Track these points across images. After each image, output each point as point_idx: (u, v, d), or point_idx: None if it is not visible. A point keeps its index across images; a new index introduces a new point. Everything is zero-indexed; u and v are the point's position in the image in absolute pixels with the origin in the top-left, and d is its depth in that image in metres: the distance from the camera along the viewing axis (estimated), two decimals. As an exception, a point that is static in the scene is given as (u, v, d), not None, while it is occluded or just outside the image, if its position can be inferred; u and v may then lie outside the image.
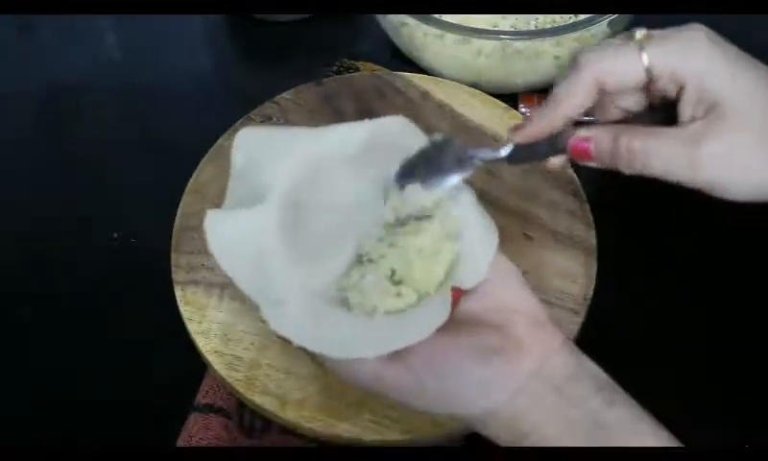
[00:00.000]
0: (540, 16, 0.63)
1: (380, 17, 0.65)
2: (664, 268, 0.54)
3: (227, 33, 0.74)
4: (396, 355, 0.33)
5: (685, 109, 0.36)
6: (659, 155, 0.36)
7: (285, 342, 0.34)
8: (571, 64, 0.38)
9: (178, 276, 0.50)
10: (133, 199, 0.60)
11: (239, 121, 0.58)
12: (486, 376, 0.34)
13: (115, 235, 0.57)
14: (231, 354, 0.46)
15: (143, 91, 0.68)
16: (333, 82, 0.62)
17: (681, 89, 0.36)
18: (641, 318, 0.51)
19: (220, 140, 0.57)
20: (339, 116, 0.59)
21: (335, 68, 0.65)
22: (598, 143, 0.37)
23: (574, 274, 0.49)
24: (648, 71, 0.35)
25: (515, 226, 0.52)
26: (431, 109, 0.59)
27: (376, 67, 0.65)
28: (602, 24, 0.59)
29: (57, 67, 0.70)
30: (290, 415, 0.44)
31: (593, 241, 0.51)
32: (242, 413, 0.47)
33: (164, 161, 0.62)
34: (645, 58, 0.35)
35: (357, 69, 0.65)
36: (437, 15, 0.60)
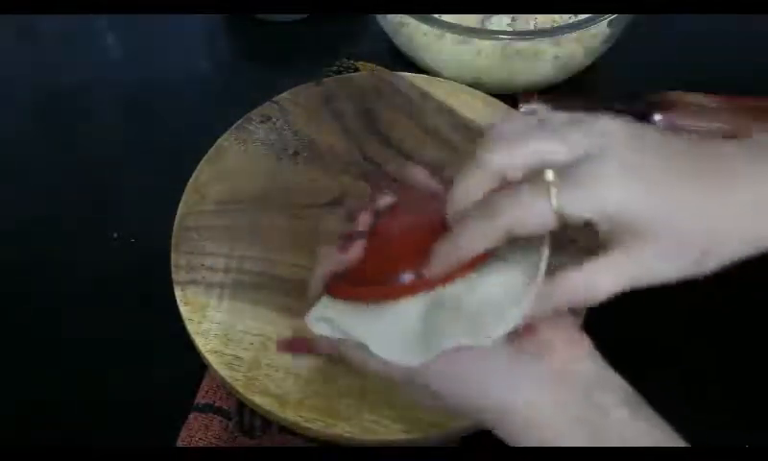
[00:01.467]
0: (540, 16, 0.63)
1: (380, 17, 0.65)
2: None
3: (227, 33, 0.74)
4: None
5: (603, 234, 0.35)
6: (599, 284, 0.35)
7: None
8: (482, 207, 0.35)
9: (177, 276, 0.50)
10: (133, 199, 0.60)
11: (239, 121, 0.58)
12: (515, 371, 0.34)
13: (115, 235, 0.57)
14: (231, 354, 0.46)
15: (143, 91, 0.68)
16: (333, 82, 0.62)
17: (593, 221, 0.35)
18: (641, 318, 0.51)
19: (220, 140, 0.57)
20: (339, 116, 0.59)
21: (335, 68, 0.65)
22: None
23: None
24: (559, 217, 0.34)
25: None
26: (431, 109, 0.59)
27: (376, 67, 0.65)
28: (602, 24, 0.59)
29: (57, 68, 0.70)
30: (290, 415, 0.44)
31: (593, 241, 0.51)
32: (242, 413, 0.47)
33: (164, 161, 0.62)
34: (554, 201, 0.33)
35: (357, 69, 0.65)
36: (437, 15, 0.60)
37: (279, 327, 0.47)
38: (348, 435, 0.43)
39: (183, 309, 0.48)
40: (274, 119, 0.59)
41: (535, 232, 0.35)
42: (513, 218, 0.34)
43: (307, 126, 0.58)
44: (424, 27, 0.60)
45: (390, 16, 0.63)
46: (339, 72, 0.65)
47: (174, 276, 0.50)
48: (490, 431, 0.44)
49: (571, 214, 0.34)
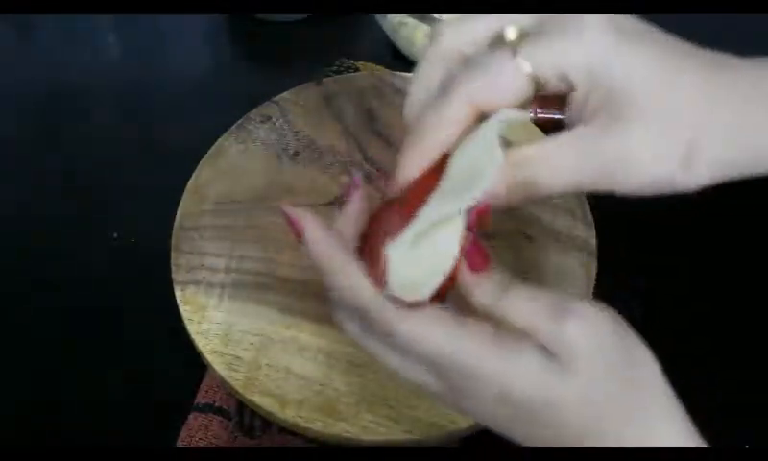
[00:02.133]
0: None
1: (380, 17, 0.65)
2: (664, 268, 0.54)
3: (227, 33, 0.74)
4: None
5: (577, 106, 0.30)
6: (556, 167, 0.30)
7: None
8: (441, 91, 0.31)
9: (177, 276, 0.50)
10: (133, 199, 0.60)
11: (239, 121, 0.58)
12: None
13: (115, 235, 0.57)
14: (231, 354, 0.46)
15: (143, 91, 0.68)
16: (333, 82, 0.62)
17: (569, 89, 0.30)
18: (641, 318, 0.51)
19: (220, 140, 0.57)
20: (339, 116, 0.59)
21: (335, 68, 0.65)
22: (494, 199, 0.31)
23: (574, 274, 0.49)
24: (533, 78, 0.29)
25: (514, 226, 0.52)
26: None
27: (376, 67, 0.65)
28: (602, 24, 0.59)
29: (57, 67, 0.70)
30: (290, 415, 0.44)
31: (593, 241, 0.51)
32: (242, 413, 0.47)
33: (164, 161, 0.62)
34: (524, 64, 0.29)
35: (357, 69, 0.65)
36: (437, 15, 0.60)
37: (279, 326, 0.47)
38: (347, 435, 0.43)
39: (183, 309, 0.48)
40: (274, 119, 0.59)
41: (505, 104, 0.29)
42: (476, 88, 0.29)
43: (307, 126, 0.58)
44: (424, 27, 0.60)
45: (390, 16, 0.63)
46: (339, 72, 0.65)
47: (174, 276, 0.50)
48: (490, 431, 0.44)
49: (544, 73, 0.29)
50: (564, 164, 0.30)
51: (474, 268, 0.31)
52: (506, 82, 0.29)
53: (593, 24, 0.29)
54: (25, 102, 0.68)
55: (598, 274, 0.49)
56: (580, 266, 0.50)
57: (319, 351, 0.46)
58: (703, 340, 0.51)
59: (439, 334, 0.29)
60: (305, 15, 0.71)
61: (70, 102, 0.67)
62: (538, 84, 0.29)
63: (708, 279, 0.54)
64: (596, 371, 0.28)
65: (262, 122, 0.58)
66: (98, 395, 0.50)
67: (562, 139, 0.30)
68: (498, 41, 0.29)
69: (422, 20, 0.59)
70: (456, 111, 0.30)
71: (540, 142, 0.31)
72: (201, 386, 0.48)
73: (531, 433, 0.30)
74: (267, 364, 0.46)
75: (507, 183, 0.31)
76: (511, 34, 0.29)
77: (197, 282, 0.49)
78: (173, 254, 0.51)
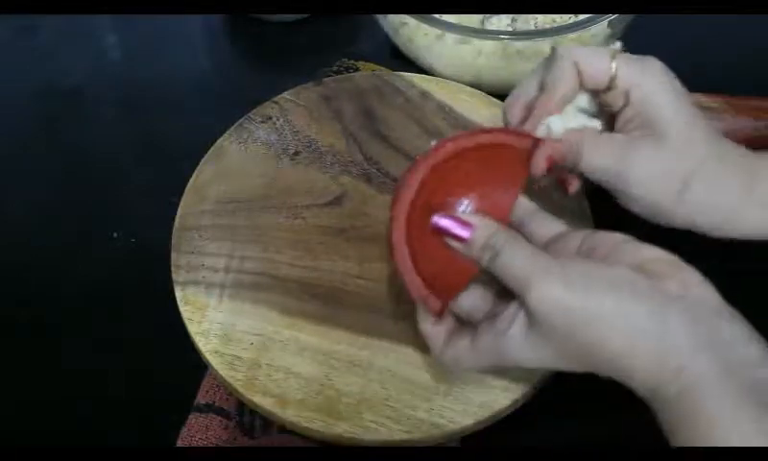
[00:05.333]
0: (540, 16, 0.63)
1: (380, 17, 0.65)
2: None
3: (227, 33, 0.74)
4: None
5: (622, 120, 0.41)
6: (596, 149, 0.40)
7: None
8: (550, 58, 0.42)
9: (178, 276, 0.50)
10: (133, 199, 0.60)
11: (239, 121, 0.58)
12: (640, 287, 0.33)
13: (115, 235, 0.57)
14: (231, 354, 0.46)
15: (143, 91, 0.68)
16: (333, 82, 0.62)
17: (625, 104, 0.41)
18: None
19: (220, 140, 0.57)
20: (339, 116, 0.59)
21: (335, 68, 0.65)
22: (555, 153, 0.41)
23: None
24: (613, 76, 0.40)
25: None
26: (431, 109, 0.59)
27: (376, 67, 0.65)
28: (602, 24, 0.59)
29: (57, 67, 0.70)
30: (290, 415, 0.44)
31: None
32: (242, 413, 0.47)
33: (164, 161, 0.62)
34: (614, 64, 0.40)
35: (357, 69, 0.65)
36: (437, 15, 0.60)
37: (280, 326, 0.47)
38: (348, 435, 0.43)
39: (184, 309, 0.48)
40: (274, 119, 0.59)
41: (592, 82, 0.41)
42: (581, 54, 0.40)
43: (307, 126, 0.58)
44: (424, 27, 0.60)
45: (390, 16, 0.63)
46: (339, 72, 0.65)
47: (174, 276, 0.50)
48: (489, 431, 0.44)
49: (622, 77, 0.40)
50: (603, 152, 0.40)
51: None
52: (601, 66, 0.40)
53: (658, 68, 0.41)
54: (25, 102, 0.68)
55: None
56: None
57: (319, 351, 0.46)
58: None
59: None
60: (305, 15, 0.71)
61: (70, 102, 0.67)
62: (611, 85, 0.40)
63: (709, 278, 0.54)
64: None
65: (262, 122, 0.58)
66: (98, 394, 0.50)
67: (608, 136, 0.41)
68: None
69: (423, 20, 0.59)
70: (567, 68, 0.40)
71: (595, 131, 0.42)
72: (201, 386, 0.48)
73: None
74: (267, 364, 0.46)
75: (565, 147, 0.41)
76: (617, 45, 0.42)
77: (197, 282, 0.49)
78: (173, 255, 0.51)
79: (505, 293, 0.37)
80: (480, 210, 0.41)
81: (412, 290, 0.39)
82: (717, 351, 0.31)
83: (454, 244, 0.38)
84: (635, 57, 0.41)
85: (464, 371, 0.39)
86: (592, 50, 0.41)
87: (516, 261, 0.35)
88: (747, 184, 0.39)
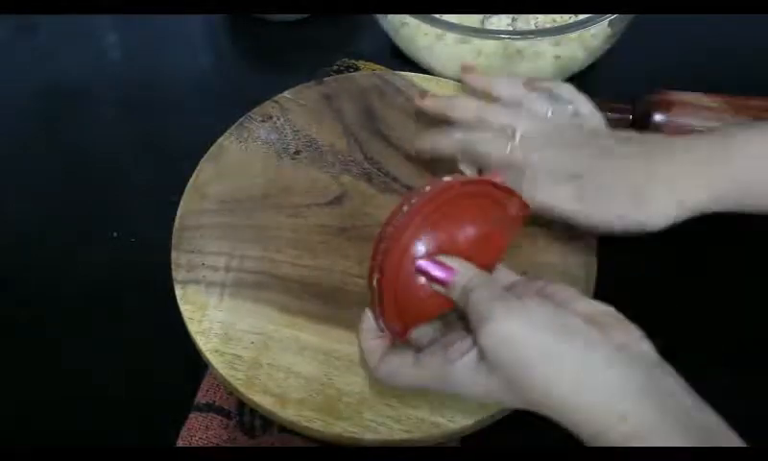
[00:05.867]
0: (541, 16, 0.63)
1: (380, 17, 0.65)
2: (665, 268, 0.54)
3: (227, 33, 0.74)
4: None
5: None
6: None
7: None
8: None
9: (178, 275, 0.50)
10: (133, 198, 0.60)
11: (240, 120, 0.58)
12: (593, 336, 0.35)
13: (115, 234, 0.57)
14: (232, 354, 0.46)
15: (143, 91, 0.68)
16: (333, 81, 0.62)
17: None
18: (642, 318, 0.51)
19: (220, 140, 0.57)
20: (339, 115, 0.59)
21: (335, 68, 0.65)
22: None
23: (574, 274, 0.49)
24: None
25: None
26: (431, 109, 0.59)
27: (376, 67, 0.65)
28: (602, 24, 0.59)
29: (57, 67, 0.70)
30: (290, 414, 0.44)
31: (593, 241, 0.51)
32: (242, 412, 0.47)
33: (164, 161, 0.62)
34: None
35: (357, 69, 0.65)
36: (437, 15, 0.60)
37: (280, 326, 0.47)
38: (348, 434, 0.43)
39: (184, 308, 0.48)
40: (274, 118, 0.59)
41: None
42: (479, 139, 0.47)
43: (308, 125, 0.58)
44: (425, 27, 0.60)
45: (390, 16, 0.63)
46: (339, 72, 0.65)
47: (174, 275, 0.50)
48: (489, 431, 0.44)
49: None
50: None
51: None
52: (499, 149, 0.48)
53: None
54: (25, 102, 0.68)
55: (598, 274, 0.49)
56: (580, 266, 0.50)
57: (319, 351, 0.46)
58: (704, 339, 0.51)
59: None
60: (305, 15, 0.71)
61: (70, 102, 0.67)
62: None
63: (708, 278, 0.54)
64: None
65: (263, 121, 0.58)
66: (98, 394, 0.50)
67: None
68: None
69: (423, 20, 0.59)
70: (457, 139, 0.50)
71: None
72: (201, 386, 0.48)
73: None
74: (267, 363, 0.46)
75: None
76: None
77: (197, 281, 0.49)
78: (173, 254, 0.51)
79: (450, 323, 0.40)
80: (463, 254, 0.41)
81: (385, 315, 0.40)
82: (659, 399, 0.33)
83: (436, 287, 0.39)
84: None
85: (398, 387, 0.40)
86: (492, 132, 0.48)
87: (484, 298, 0.36)
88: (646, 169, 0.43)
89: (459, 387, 0.37)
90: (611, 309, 0.37)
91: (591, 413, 0.33)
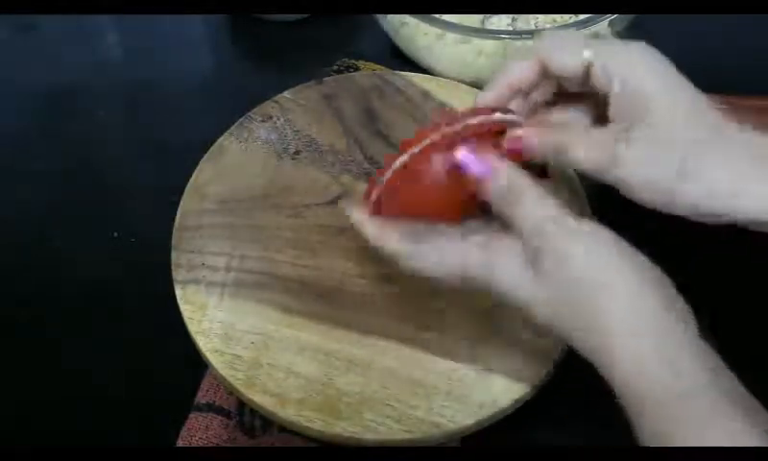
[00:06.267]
0: (541, 16, 0.63)
1: (380, 17, 0.65)
2: (665, 268, 0.54)
3: (227, 33, 0.74)
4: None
5: (612, 107, 0.38)
6: (583, 145, 0.38)
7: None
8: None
9: (178, 275, 0.50)
10: (133, 198, 0.60)
11: (240, 120, 0.58)
12: (644, 263, 0.34)
13: (115, 234, 0.57)
14: (232, 354, 0.46)
15: (143, 91, 0.68)
16: (333, 81, 0.62)
17: (611, 93, 0.38)
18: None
19: (220, 139, 0.57)
20: (339, 115, 0.59)
21: (335, 68, 0.65)
22: (527, 140, 0.39)
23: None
24: (587, 64, 0.38)
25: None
26: (431, 109, 0.59)
27: (376, 67, 0.65)
28: (602, 24, 0.59)
29: (57, 67, 0.70)
30: (290, 414, 0.44)
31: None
32: (242, 412, 0.47)
33: (164, 161, 0.62)
34: (587, 52, 0.38)
35: (357, 69, 0.65)
36: (437, 15, 0.60)
37: (280, 326, 0.47)
38: (348, 434, 0.43)
39: (184, 308, 0.48)
40: (274, 118, 0.59)
41: (561, 72, 0.39)
42: (545, 50, 0.39)
43: (308, 125, 0.58)
44: (425, 27, 0.60)
45: (390, 16, 0.63)
46: (339, 72, 0.65)
47: (174, 275, 0.50)
48: (489, 431, 0.44)
49: (599, 65, 0.38)
50: (594, 145, 0.38)
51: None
52: (570, 56, 0.38)
53: (642, 54, 0.38)
54: (25, 102, 0.68)
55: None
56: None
57: (319, 351, 0.46)
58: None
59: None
60: (306, 15, 0.71)
61: (70, 102, 0.67)
62: (588, 73, 0.38)
63: (710, 278, 0.54)
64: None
65: (263, 121, 0.58)
66: (98, 394, 0.50)
67: (597, 131, 0.39)
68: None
69: (423, 20, 0.59)
70: (529, 60, 0.40)
71: (580, 128, 0.41)
72: (201, 386, 0.48)
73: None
74: (268, 363, 0.46)
75: (540, 137, 0.39)
76: (588, 31, 0.41)
77: (197, 281, 0.49)
78: (173, 254, 0.51)
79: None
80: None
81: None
82: (713, 360, 0.32)
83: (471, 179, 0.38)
84: (615, 44, 0.40)
85: (438, 269, 0.39)
86: (562, 39, 0.40)
87: (538, 211, 0.36)
88: (751, 161, 0.37)
89: (504, 283, 0.36)
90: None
91: (639, 362, 0.32)
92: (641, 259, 0.35)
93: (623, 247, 0.35)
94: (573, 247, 0.34)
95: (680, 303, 0.34)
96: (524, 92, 0.41)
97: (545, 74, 0.40)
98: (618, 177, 0.37)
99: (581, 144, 0.38)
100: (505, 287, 0.36)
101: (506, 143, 0.39)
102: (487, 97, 0.41)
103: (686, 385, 0.31)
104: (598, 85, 0.38)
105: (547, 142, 0.39)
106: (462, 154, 0.38)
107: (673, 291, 0.34)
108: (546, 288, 0.35)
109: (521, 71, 0.40)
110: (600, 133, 0.38)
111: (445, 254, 0.38)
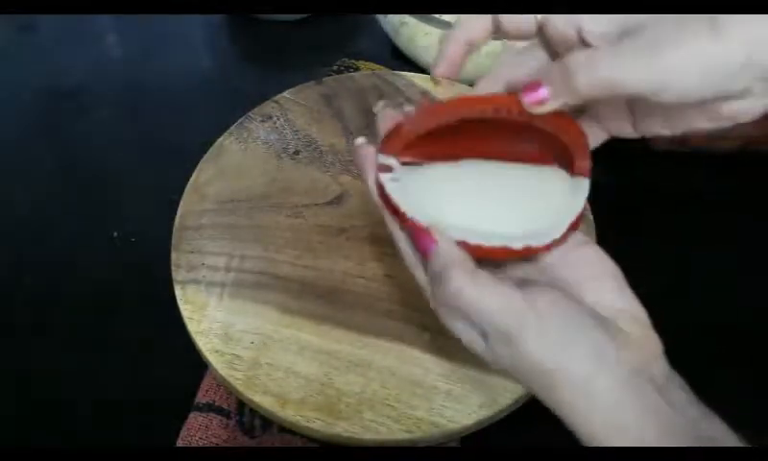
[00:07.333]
0: (540, 17, 0.63)
1: (380, 17, 0.65)
2: (665, 267, 0.54)
3: (227, 33, 0.74)
4: (523, 285, 0.34)
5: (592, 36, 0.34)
6: (608, 64, 0.32)
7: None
8: None
9: (178, 275, 0.50)
10: (133, 198, 0.60)
11: (239, 120, 0.58)
12: (602, 340, 0.33)
13: (115, 234, 0.57)
14: (231, 354, 0.46)
15: (143, 91, 0.68)
16: (333, 81, 0.62)
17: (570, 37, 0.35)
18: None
19: (220, 139, 0.57)
20: (339, 115, 0.59)
21: (335, 68, 0.65)
22: (547, 77, 0.35)
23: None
24: (540, 23, 0.37)
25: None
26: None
27: (376, 67, 0.65)
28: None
29: (57, 67, 0.70)
30: (290, 414, 0.44)
31: (593, 235, 0.51)
32: (242, 412, 0.47)
33: (164, 161, 0.62)
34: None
35: (357, 68, 0.65)
36: (437, 15, 0.60)
37: (280, 326, 0.47)
38: (347, 434, 0.43)
39: (184, 308, 0.48)
40: (274, 118, 0.59)
41: (516, 31, 0.38)
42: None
43: (308, 125, 0.58)
44: (424, 27, 0.60)
45: (390, 16, 0.63)
46: (339, 71, 0.65)
47: (174, 275, 0.50)
48: (489, 431, 0.44)
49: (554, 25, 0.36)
50: (601, 63, 0.32)
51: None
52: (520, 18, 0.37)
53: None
54: (25, 102, 0.68)
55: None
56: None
57: (319, 351, 0.46)
58: (704, 338, 0.51)
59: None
60: (305, 15, 0.71)
61: (70, 102, 0.67)
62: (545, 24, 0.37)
63: (709, 279, 0.54)
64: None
65: (263, 121, 0.58)
66: (98, 395, 0.50)
67: (591, 50, 0.34)
68: None
69: (423, 20, 0.59)
70: (483, 18, 0.38)
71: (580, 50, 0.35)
72: (201, 385, 0.48)
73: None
74: (267, 363, 0.46)
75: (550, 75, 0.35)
76: None
77: (197, 281, 0.49)
78: (173, 254, 0.51)
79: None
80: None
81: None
82: (665, 415, 0.32)
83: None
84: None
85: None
86: None
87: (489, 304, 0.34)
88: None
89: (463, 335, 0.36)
90: (640, 313, 0.35)
91: (589, 423, 0.33)
92: (596, 335, 0.33)
93: (577, 322, 0.33)
94: (524, 332, 0.33)
95: (650, 364, 0.34)
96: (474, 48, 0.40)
97: (497, 30, 0.39)
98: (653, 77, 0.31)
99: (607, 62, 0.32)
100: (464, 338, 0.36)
101: (526, 94, 0.35)
102: (446, 60, 0.40)
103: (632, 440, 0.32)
104: (556, 35, 0.36)
105: (570, 71, 0.34)
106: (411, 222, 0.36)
107: (624, 367, 0.33)
108: (498, 359, 0.34)
109: (473, 25, 0.39)
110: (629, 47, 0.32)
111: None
